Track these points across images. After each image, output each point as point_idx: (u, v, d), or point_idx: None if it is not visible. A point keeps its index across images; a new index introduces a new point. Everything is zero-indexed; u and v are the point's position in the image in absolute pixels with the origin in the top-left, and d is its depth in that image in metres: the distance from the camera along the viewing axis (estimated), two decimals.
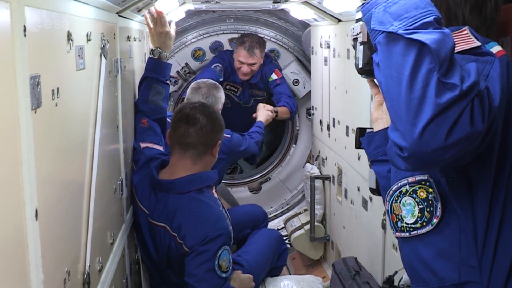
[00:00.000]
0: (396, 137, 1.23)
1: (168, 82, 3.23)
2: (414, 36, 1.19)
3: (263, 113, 4.39)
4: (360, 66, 1.55)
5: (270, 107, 4.48)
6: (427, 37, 1.19)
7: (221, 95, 3.75)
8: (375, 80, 1.69)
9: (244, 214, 3.91)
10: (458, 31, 1.39)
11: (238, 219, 3.68)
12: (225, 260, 2.63)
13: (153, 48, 3.15)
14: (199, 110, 2.87)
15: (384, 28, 1.24)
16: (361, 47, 1.54)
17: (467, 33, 1.40)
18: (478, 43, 1.38)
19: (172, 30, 3.23)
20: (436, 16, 1.23)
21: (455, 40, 1.27)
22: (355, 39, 1.59)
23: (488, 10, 1.48)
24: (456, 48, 1.28)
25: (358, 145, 2.22)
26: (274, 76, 4.79)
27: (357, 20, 1.57)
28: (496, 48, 1.42)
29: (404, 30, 1.21)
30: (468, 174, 1.37)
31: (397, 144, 1.23)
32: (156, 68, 3.13)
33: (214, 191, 2.87)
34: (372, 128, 1.74)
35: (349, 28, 1.64)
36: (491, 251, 1.37)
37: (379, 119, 1.68)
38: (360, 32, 1.54)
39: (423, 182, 1.44)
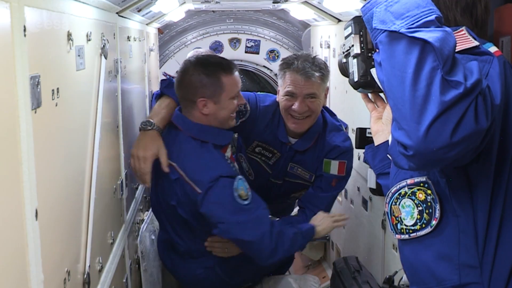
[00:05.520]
0: (400, 136, 1.23)
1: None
2: (416, 35, 1.19)
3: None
4: (356, 79, 1.55)
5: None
6: (430, 35, 1.19)
7: None
8: (369, 95, 1.68)
9: None
10: (456, 31, 1.39)
11: None
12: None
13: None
14: None
15: (386, 27, 1.24)
16: (355, 60, 1.55)
17: (464, 33, 1.40)
18: (476, 43, 1.39)
19: None
20: (437, 15, 1.23)
21: None
22: (347, 55, 1.59)
23: (478, 12, 1.49)
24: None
25: (359, 145, 2.22)
26: (334, 169, 2.81)
27: (346, 37, 1.57)
28: (492, 49, 1.42)
29: (406, 28, 1.21)
30: (468, 174, 1.37)
31: (402, 143, 1.23)
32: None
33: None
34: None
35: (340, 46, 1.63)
36: (492, 251, 1.37)
37: (379, 131, 1.66)
38: (351, 46, 1.54)
39: (421, 184, 1.44)
